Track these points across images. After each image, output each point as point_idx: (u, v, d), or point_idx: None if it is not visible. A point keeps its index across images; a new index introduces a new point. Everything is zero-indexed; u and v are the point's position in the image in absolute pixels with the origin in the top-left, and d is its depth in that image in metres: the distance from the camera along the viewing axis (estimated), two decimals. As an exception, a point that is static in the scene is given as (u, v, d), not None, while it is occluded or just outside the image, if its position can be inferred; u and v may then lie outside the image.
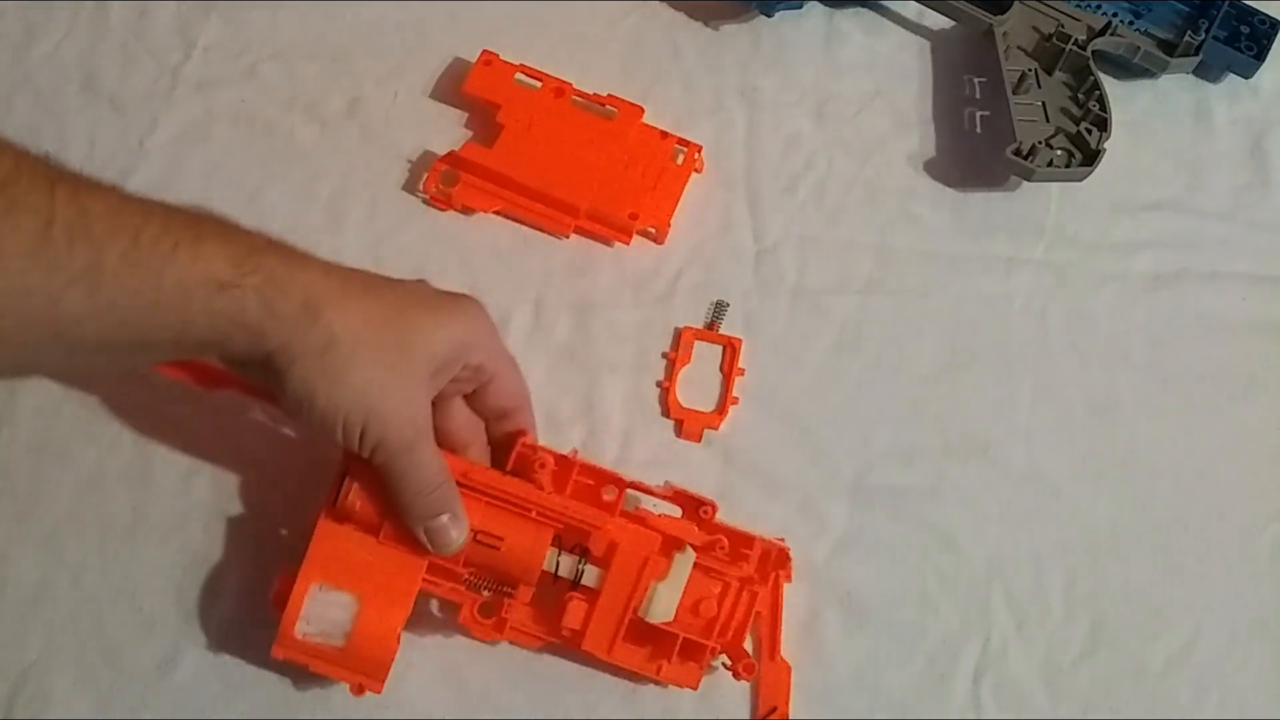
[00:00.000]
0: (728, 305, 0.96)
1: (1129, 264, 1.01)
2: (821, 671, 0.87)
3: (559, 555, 0.83)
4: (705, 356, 0.96)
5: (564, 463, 0.85)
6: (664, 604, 0.82)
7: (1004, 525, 0.92)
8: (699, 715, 0.85)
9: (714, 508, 0.86)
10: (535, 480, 0.84)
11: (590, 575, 0.83)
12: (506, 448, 0.86)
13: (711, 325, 0.96)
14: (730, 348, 0.95)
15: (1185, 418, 0.96)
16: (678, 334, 0.96)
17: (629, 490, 0.85)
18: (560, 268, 0.99)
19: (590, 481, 0.86)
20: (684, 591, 0.83)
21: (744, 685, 0.86)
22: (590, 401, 0.95)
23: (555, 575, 0.83)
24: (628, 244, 1.00)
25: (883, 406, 0.96)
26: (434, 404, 0.83)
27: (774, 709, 0.86)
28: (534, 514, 0.82)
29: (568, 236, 1.00)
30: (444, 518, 0.81)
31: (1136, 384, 0.97)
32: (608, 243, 1.00)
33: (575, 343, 0.97)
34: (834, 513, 0.92)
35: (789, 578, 0.88)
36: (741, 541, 0.85)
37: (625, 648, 0.83)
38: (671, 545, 0.84)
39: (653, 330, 0.97)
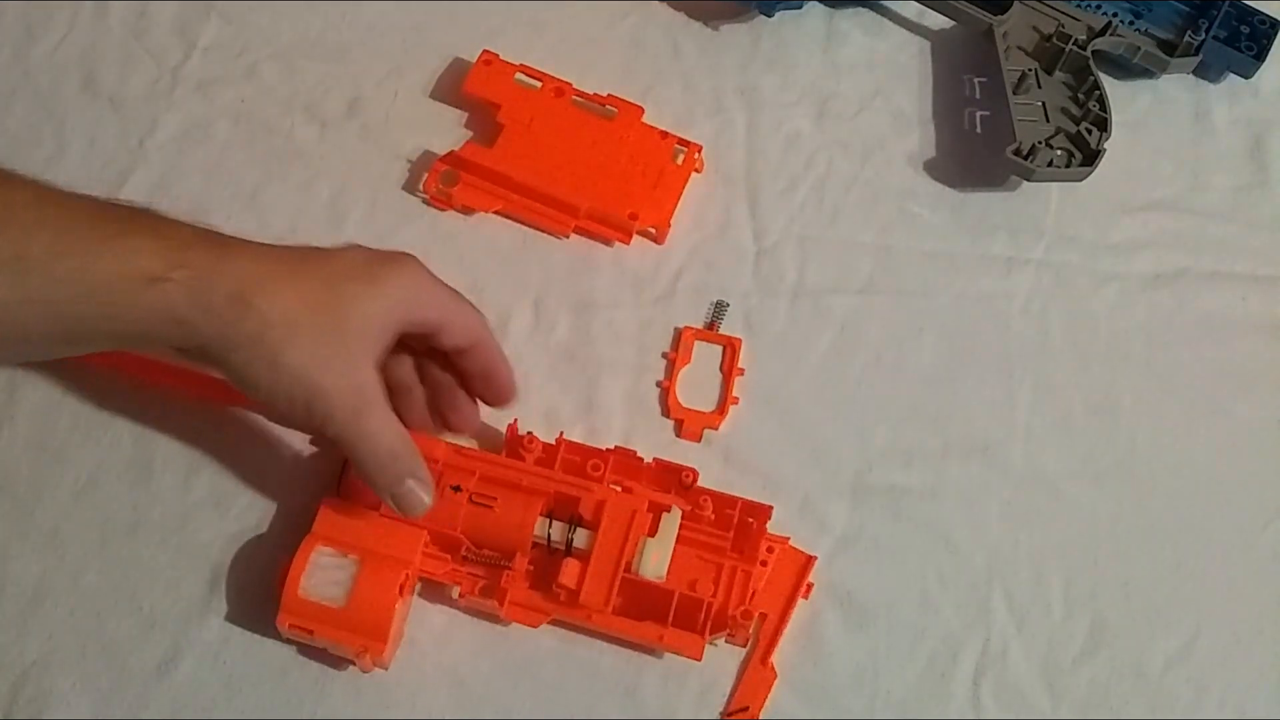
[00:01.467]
0: (728, 305, 0.97)
1: (1129, 264, 1.02)
2: (821, 671, 0.87)
3: (550, 524, 0.85)
4: (705, 356, 0.96)
5: (550, 447, 0.89)
6: (655, 559, 0.84)
7: (1004, 525, 0.92)
8: (700, 715, 0.85)
9: (695, 474, 0.88)
10: (524, 459, 0.88)
11: (581, 537, 0.84)
12: (482, 379, 0.88)
13: (711, 325, 0.96)
14: (730, 348, 0.95)
15: (1185, 417, 0.97)
16: (678, 334, 0.96)
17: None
18: (560, 268, 1.00)
19: (577, 459, 0.88)
20: (678, 571, 0.84)
21: (725, 668, 0.86)
22: (590, 401, 0.95)
23: (549, 543, 0.85)
24: (628, 244, 1.00)
25: (882, 406, 0.96)
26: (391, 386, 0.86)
27: (745, 708, 0.86)
28: (524, 483, 0.85)
29: (568, 236, 1.00)
30: (409, 482, 0.82)
31: (1136, 384, 0.98)
32: (608, 243, 1.00)
33: (575, 343, 0.97)
34: (834, 513, 0.92)
35: (807, 594, 0.89)
36: (725, 504, 0.87)
37: (624, 618, 0.84)
38: (658, 509, 0.86)
39: (653, 330, 0.98)
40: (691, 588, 0.84)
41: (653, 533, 0.85)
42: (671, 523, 0.85)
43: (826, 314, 0.99)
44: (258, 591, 0.86)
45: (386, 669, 0.84)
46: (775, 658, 0.86)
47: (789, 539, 0.89)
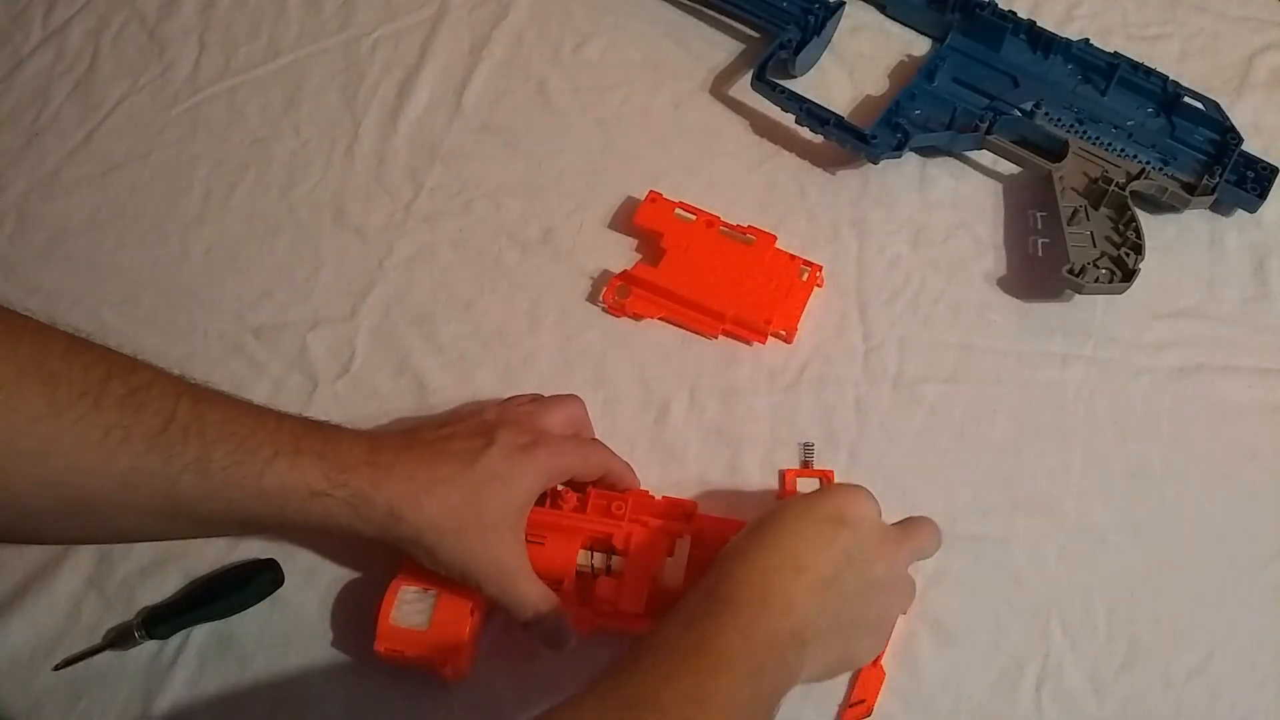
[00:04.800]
0: (813, 445, 1.04)
1: (1159, 359, 1.08)
2: (915, 682, 0.94)
3: (592, 555, 0.93)
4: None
5: (582, 496, 0.96)
6: (673, 573, 0.92)
7: (1060, 566, 0.99)
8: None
9: (694, 505, 0.96)
10: (562, 509, 0.95)
11: (617, 564, 0.92)
12: (614, 486, 0.97)
13: (805, 464, 1.03)
14: (824, 480, 1.02)
15: (1203, 480, 1.02)
16: (782, 476, 1.04)
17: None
18: (710, 362, 1.08)
19: (603, 502, 0.95)
20: (690, 578, 0.92)
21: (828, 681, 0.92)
22: (734, 468, 1.03)
23: (592, 570, 0.93)
24: (763, 344, 1.08)
25: (964, 472, 1.03)
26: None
27: (862, 700, 0.93)
28: (564, 524, 0.93)
29: (716, 337, 1.09)
30: (551, 632, 0.91)
31: (1164, 454, 1.03)
32: (747, 342, 1.08)
33: (722, 422, 1.05)
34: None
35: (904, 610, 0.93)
36: (720, 526, 0.95)
37: (654, 620, 0.89)
38: (673, 536, 0.94)
39: (782, 412, 1.06)
40: None
41: (670, 554, 0.93)
42: (684, 546, 0.93)
43: (920, 398, 1.06)
44: (360, 623, 0.95)
45: (464, 678, 0.93)
46: (882, 663, 0.94)
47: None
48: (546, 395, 1.02)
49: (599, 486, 0.97)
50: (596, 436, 1.00)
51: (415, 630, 0.90)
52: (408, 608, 0.90)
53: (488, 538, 0.88)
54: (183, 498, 0.80)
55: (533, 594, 0.90)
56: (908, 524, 0.90)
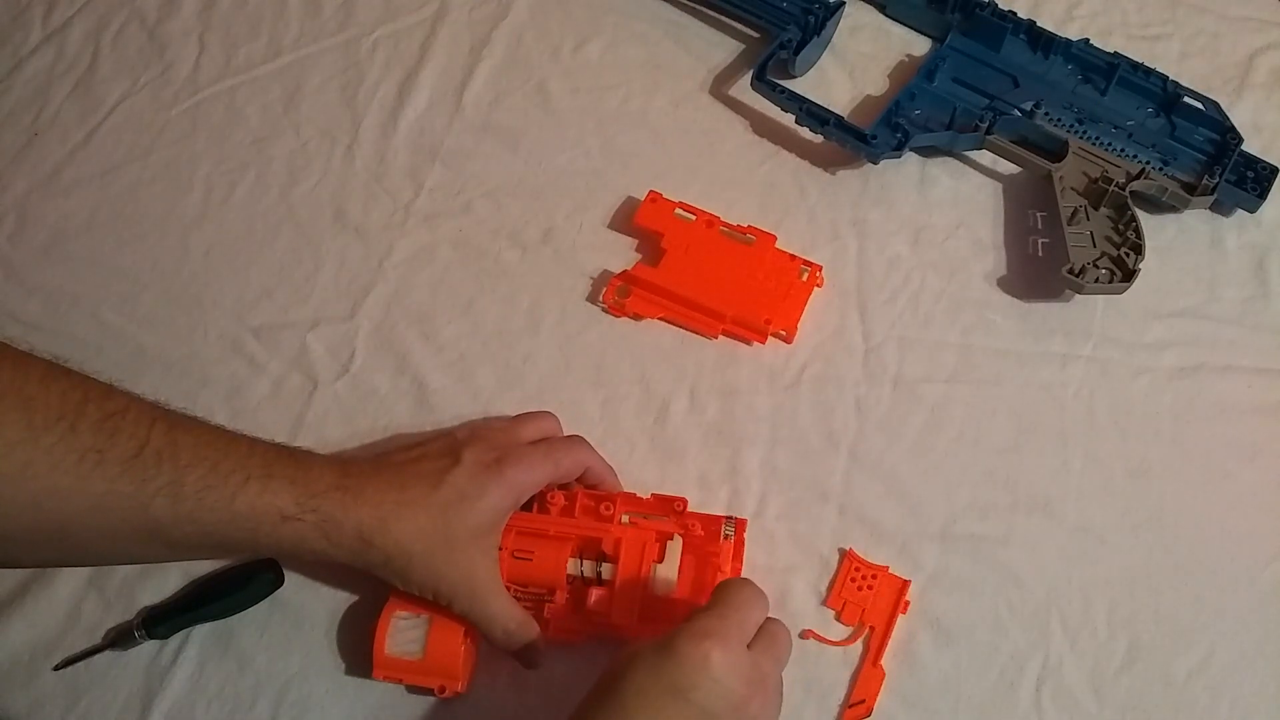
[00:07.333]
0: (734, 524, 0.98)
1: (1159, 359, 1.08)
2: (916, 680, 0.95)
3: (581, 563, 0.93)
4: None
5: (570, 496, 0.96)
6: (665, 579, 0.92)
7: (1060, 565, 0.99)
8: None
9: (685, 502, 0.96)
10: (550, 512, 0.95)
11: (606, 570, 0.92)
12: (595, 485, 0.98)
13: (726, 537, 0.97)
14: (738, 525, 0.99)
15: (1203, 480, 1.03)
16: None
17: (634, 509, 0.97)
18: (710, 362, 1.08)
19: (591, 502, 0.96)
20: (682, 579, 0.92)
21: (841, 675, 0.95)
22: (734, 467, 1.04)
23: (582, 578, 0.93)
24: (763, 343, 1.09)
25: (964, 472, 1.03)
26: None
27: (862, 700, 0.94)
28: (552, 533, 0.93)
29: (716, 337, 1.09)
30: (523, 648, 0.91)
31: (1164, 454, 1.04)
32: (747, 342, 1.09)
33: (722, 421, 1.06)
34: (926, 555, 1.00)
35: (905, 610, 0.97)
36: (711, 522, 0.95)
37: (647, 626, 0.91)
38: (664, 537, 0.94)
39: (782, 412, 1.06)
40: (694, 586, 0.92)
41: (660, 558, 0.93)
42: (675, 549, 0.93)
43: (920, 399, 1.07)
44: (360, 624, 0.96)
45: (461, 694, 0.93)
46: (882, 663, 0.95)
47: (888, 567, 0.99)
48: (543, 398, 1.05)
49: (583, 483, 0.97)
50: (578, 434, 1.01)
51: (410, 659, 0.91)
52: (401, 635, 0.91)
53: (455, 557, 0.89)
54: (156, 521, 0.81)
55: (502, 611, 0.91)
56: (763, 635, 0.85)
